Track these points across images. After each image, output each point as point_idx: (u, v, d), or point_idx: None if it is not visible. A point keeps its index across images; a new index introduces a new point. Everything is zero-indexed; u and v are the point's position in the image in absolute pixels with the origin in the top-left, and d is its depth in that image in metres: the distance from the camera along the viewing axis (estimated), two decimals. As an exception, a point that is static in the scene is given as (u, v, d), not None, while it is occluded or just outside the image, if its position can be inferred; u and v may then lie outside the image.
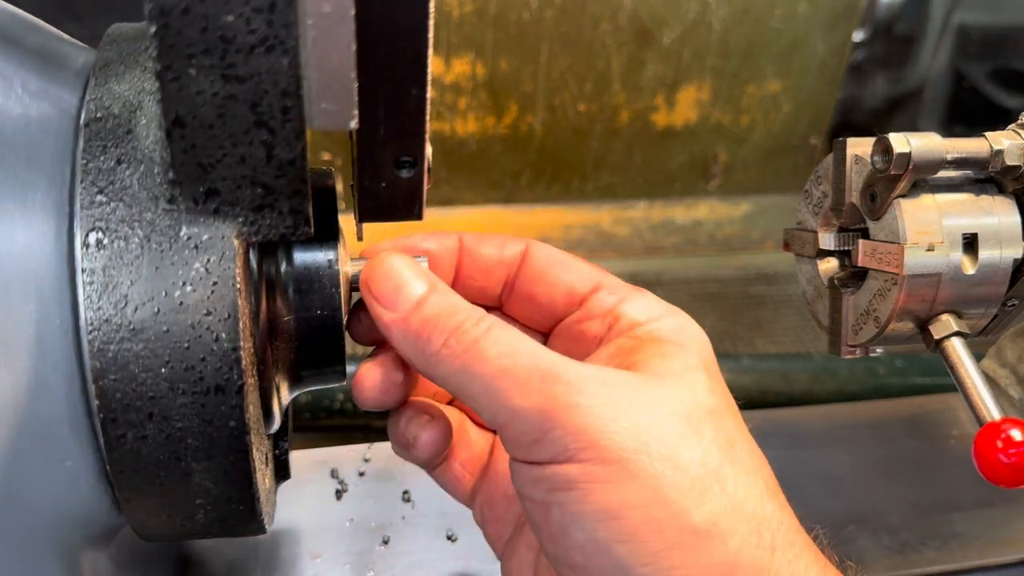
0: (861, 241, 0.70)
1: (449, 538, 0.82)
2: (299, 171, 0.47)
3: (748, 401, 1.65)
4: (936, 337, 0.68)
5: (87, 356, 0.47)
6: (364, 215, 0.55)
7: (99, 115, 0.49)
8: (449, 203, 1.93)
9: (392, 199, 0.53)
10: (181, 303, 0.47)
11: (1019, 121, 0.70)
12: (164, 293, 0.47)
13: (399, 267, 0.54)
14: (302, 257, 0.54)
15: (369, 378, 0.58)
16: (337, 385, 0.61)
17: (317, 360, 0.57)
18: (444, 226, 2.02)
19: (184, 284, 0.47)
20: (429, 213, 0.55)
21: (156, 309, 0.47)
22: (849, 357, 0.74)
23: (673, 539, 0.46)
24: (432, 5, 0.45)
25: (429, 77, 0.48)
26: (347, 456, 0.90)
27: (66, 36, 0.58)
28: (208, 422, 0.48)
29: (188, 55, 0.42)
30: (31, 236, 0.47)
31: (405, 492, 0.86)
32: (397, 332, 0.53)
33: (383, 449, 0.91)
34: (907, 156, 0.64)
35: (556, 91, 1.84)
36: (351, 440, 0.94)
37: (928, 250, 0.65)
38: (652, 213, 1.88)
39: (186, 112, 0.44)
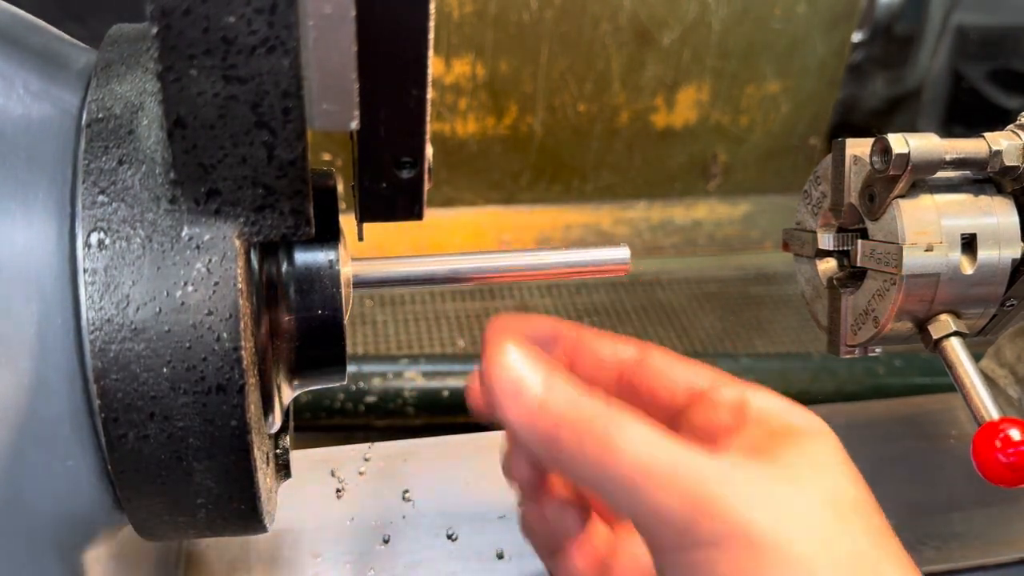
0: (860, 241, 0.70)
1: (449, 537, 0.82)
2: (300, 171, 0.47)
3: (748, 401, 1.63)
4: (935, 337, 0.68)
5: (88, 356, 0.47)
6: (365, 215, 0.55)
7: (101, 116, 0.50)
8: (449, 203, 1.93)
9: (393, 199, 0.53)
10: (183, 303, 0.47)
11: (1018, 122, 0.70)
12: (166, 293, 0.47)
13: (519, 362, 0.52)
14: (303, 257, 0.54)
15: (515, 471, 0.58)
16: (337, 385, 0.61)
17: (318, 360, 0.57)
18: (444, 226, 2.02)
19: (186, 284, 0.47)
20: (429, 213, 0.55)
21: (158, 309, 0.47)
22: (848, 357, 0.75)
23: None
24: (432, 6, 0.45)
25: (429, 78, 0.48)
26: (347, 456, 0.90)
27: (67, 37, 0.58)
28: (209, 421, 0.48)
29: (189, 56, 0.42)
30: (33, 236, 0.48)
31: (405, 491, 0.87)
32: (524, 431, 0.52)
33: (383, 449, 0.91)
34: (906, 156, 0.64)
35: (556, 91, 1.84)
36: (351, 440, 0.94)
37: (927, 250, 0.66)
38: (652, 213, 1.88)
39: (187, 113, 0.44)
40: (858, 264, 0.70)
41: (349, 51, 0.42)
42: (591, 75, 1.84)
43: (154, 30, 0.42)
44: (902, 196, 0.67)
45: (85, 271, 0.47)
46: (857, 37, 2.24)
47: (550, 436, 0.50)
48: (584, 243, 1.77)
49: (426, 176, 0.53)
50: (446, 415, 1.49)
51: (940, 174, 0.68)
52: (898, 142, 0.65)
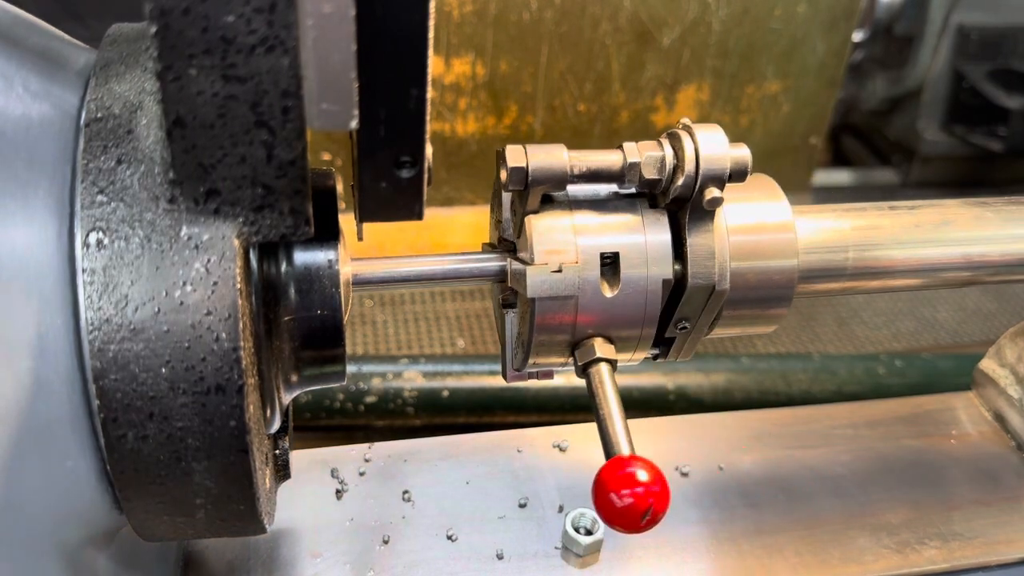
0: (508, 260, 0.63)
1: (449, 538, 0.82)
2: (299, 171, 0.47)
3: (748, 401, 1.64)
4: (580, 363, 0.63)
5: (87, 356, 0.47)
6: (365, 215, 0.55)
7: (100, 115, 0.50)
8: (449, 203, 1.93)
9: (392, 199, 0.53)
10: (181, 303, 0.47)
11: (674, 129, 0.62)
12: (164, 293, 0.47)
13: None
14: (302, 257, 0.54)
15: None
16: (337, 385, 0.61)
17: (317, 360, 0.57)
18: (444, 226, 2.02)
19: (184, 284, 0.47)
20: (429, 213, 0.55)
21: (156, 309, 0.47)
22: (517, 384, 0.67)
23: None
24: (432, 6, 0.45)
25: (429, 77, 0.48)
26: (347, 456, 0.90)
27: (67, 36, 0.58)
28: (208, 422, 0.48)
29: (189, 55, 0.42)
30: (32, 236, 0.47)
31: (405, 492, 0.86)
32: None
33: (383, 449, 0.91)
34: (522, 171, 0.58)
35: (556, 91, 1.84)
36: (351, 440, 0.94)
37: (556, 271, 0.59)
38: (652, 213, 1.88)
39: (187, 112, 0.44)
40: (509, 284, 0.64)
41: (349, 50, 0.42)
42: (591, 75, 1.84)
43: (153, 29, 0.42)
44: (534, 212, 0.60)
45: (84, 271, 0.47)
46: (857, 37, 2.24)
47: None
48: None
49: (426, 176, 0.53)
50: (446, 415, 1.49)
51: (586, 189, 0.62)
52: (514, 155, 0.58)
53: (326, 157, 1.78)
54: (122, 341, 0.47)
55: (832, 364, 1.54)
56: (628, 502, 0.53)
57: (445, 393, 1.47)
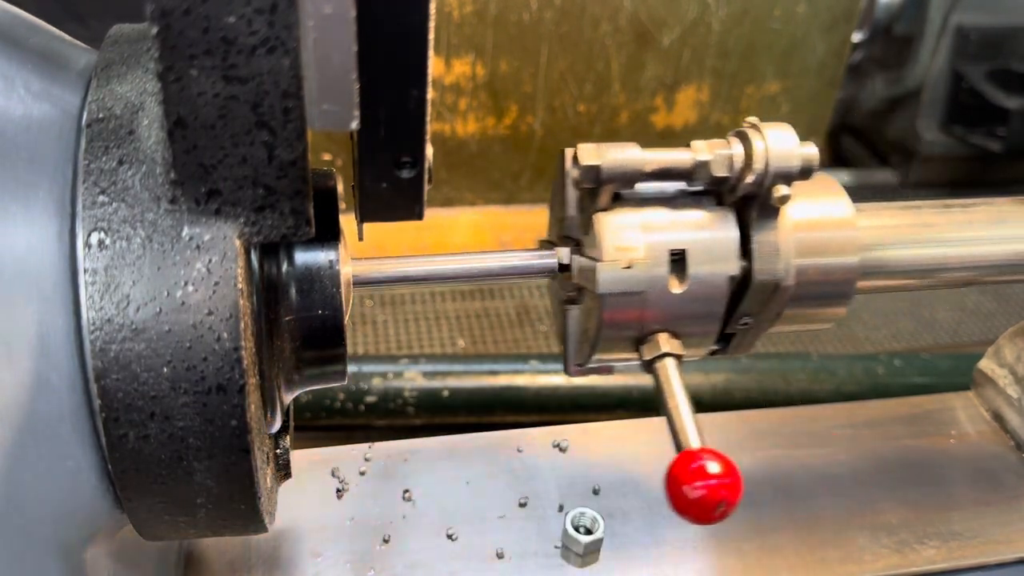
0: (574, 257, 0.63)
1: (449, 537, 0.83)
2: (300, 172, 0.47)
3: (748, 401, 1.65)
4: (646, 358, 0.63)
5: (89, 356, 0.47)
6: (365, 215, 0.55)
7: (101, 116, 0.50)
8: (449, 203, 1.93)
9: (393, 199, 0.53)
10: (183, 303, 0.47)
11: (740, 128, 0.63)
12: (166, 293, 0.47)
13: None
14: (303, 257, 0.54)
15: None
16: (337, 385, 0.61)
17: (318, 360, 0.57)
18: (445, 226, 2.02)
19: (186, 284, 0.47)
20: (429, 213, 0.55)
21: (158, 309, 0.47)
22: (580, 377, 0.69)
23: None
24: (432, 6, 0.45)
25: (429, 78, 0.48)
26: (347, 456, 0.90)
27: (68, 37, 0.58)
28: (210, 421, 0.48)
29: (190, 56, 0.43)
30: (34, 236, 0.48)
31: (405, 491, 0.87)
32: None
33: (383, 449, 0.91)
34: (596, 168, 0.58)
35: (556, 92, 1.84)
36: (351, 440, 0.94)
37: (626, 267, 0.60)
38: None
39: (188, 113, 0.44)
40: (575, 280, 0.64)
41: (349, 51, 0.42)
42: (591, 75, 1.84)
43: (154, 30, 0.42)
44: (604, 210, 0.61)
45: (85, 271, 0.47)
46: (857, 37, 2.24)
47: None
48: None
49: (426, 176, 0.53)
50: (446, 415, 1.49)
51: (653, 187, 0.62)
52: (588, 153, 0.59)
53: (326, 157, 1.78)
54: (123, 341, 0.47)
55: (831, 364, 1.55)
56: (701, 494, 0.54)
57: (445, 393, 1.47)
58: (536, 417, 1.47)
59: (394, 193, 0.53)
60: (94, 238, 0.47)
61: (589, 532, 0.80)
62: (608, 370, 0.68)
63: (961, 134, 2.28)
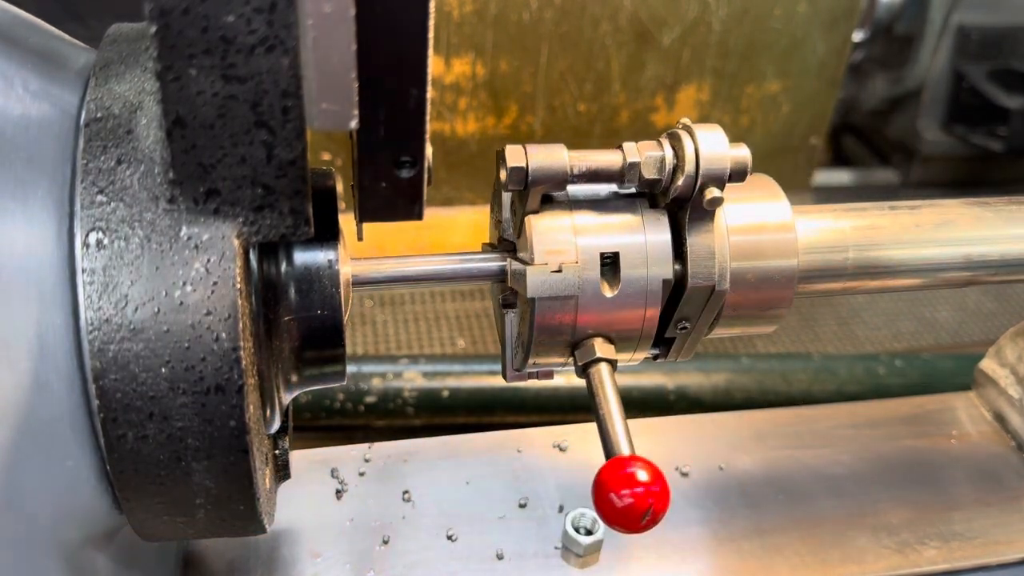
0: (509, 260, 0.62)
1: (449, 538, 0.82)
2: (299, 171, 0.47)
3: (748, 401, 1.64)
4: (580, 363, 0.62)
5: (87, 356, 0.47)
6: (364, 215, 0.55)
7: (99, 115, 0.50)
8: (449, 203, 1.93)
9: (392, 199, 0.53)
10: (181, 303, 0.47)
11: (673, 128, 0.62)
12: (164, 293, 0.47)
13: None
14: (302, 257, 0.54)
15: None
16: (337, 385, 0.61)
17: (317, 360, 0.57)
18: (444, 226, 2.02)
19: (184, 284, 0.47)
20: (429, 213, 0.55)
21: (156, 309, 0.47)
22: (517, 384, 0.67)
23: None
24: (432, 5, 0.45)
25: (429, 77, 0.48)
26: (347, 456, 0.90)
27: (67, 36, 0.58)
28: (208, 422, 0.48)
29: (189, 55, 0.42)
30: (32, 236, 0.47)
31: (405, 492, 0.86)
32: None
33: (383, 449, 0.91)
34: (522, 170, 0.58)
35: (556, 91, 1.84)
36: (351, 440, 0.94)
37: (556, 271, 0.59)
38: (652, 213, 1.88)
39: (187, 112, 0.44)
40: (509, 284, 0.63)
41: (349, 50, 0.42)
42: (591, 75, 1.84)
43: (153, 29, 0.42)
44: (535, 212, 0.60)
45: (84, 271, 0.47)
46: (857, 37, 2.24)
47: None
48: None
49: (425, 176, 0.53)
50: (446, 415, 1.49)
51: (587, 189, 0.62)
52: (514, 154, 0.58)
53: (326, 157, 1.78)
54: (122, 341, 0.47)
55: (832, 364, 1.54)
56: (628, 502, 0.53)
57: (445, 393, 1.47)
58: (536, 417, 1.47)
59: (393, 193, 0.53)
60: (92, 238, 0.47)
61: (589, 533, 0.80)
62: (548, 375, 0.67)
63: (962, 134, 2.27)
